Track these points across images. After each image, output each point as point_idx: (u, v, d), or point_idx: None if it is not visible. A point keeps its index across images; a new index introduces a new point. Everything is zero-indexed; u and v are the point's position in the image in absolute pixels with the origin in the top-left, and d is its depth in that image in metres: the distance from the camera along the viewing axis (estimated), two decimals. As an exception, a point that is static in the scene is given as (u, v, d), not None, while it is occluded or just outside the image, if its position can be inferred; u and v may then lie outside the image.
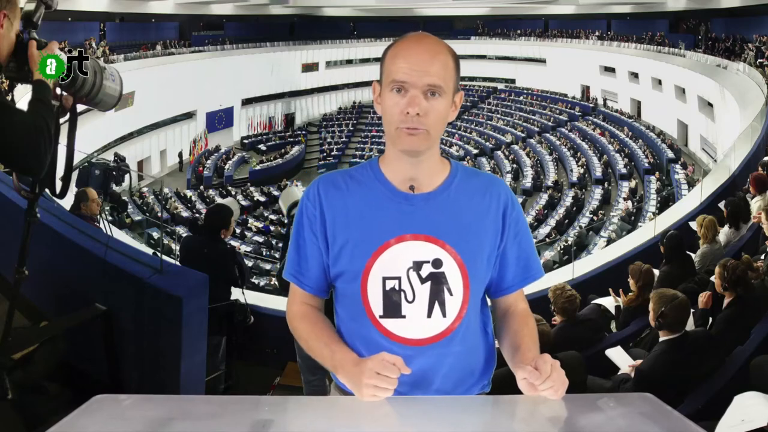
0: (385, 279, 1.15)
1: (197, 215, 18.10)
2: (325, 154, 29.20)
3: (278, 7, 30.73)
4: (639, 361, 2.90)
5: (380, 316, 1.16)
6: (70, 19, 22.78)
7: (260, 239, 18.67)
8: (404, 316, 1.15)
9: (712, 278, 3.50)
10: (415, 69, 1.09)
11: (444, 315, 1.16)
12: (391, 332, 1.16)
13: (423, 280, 1.15)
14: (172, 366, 2.71)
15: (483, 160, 25.85)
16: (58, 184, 1.80)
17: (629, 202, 18.62)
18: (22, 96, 1.72)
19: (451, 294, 1.15)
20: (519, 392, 0.99)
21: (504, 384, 2.59)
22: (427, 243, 1.15)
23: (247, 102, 30.31)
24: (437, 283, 1.15)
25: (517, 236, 1.21)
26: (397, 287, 1.14)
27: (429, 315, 1.15)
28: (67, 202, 3.53)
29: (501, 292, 1.25)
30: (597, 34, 29.40)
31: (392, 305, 1.15)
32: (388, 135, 1.16)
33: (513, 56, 32.03)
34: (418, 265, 1.14)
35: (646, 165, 21.26)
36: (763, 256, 4.11)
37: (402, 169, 1.18)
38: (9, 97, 1.72)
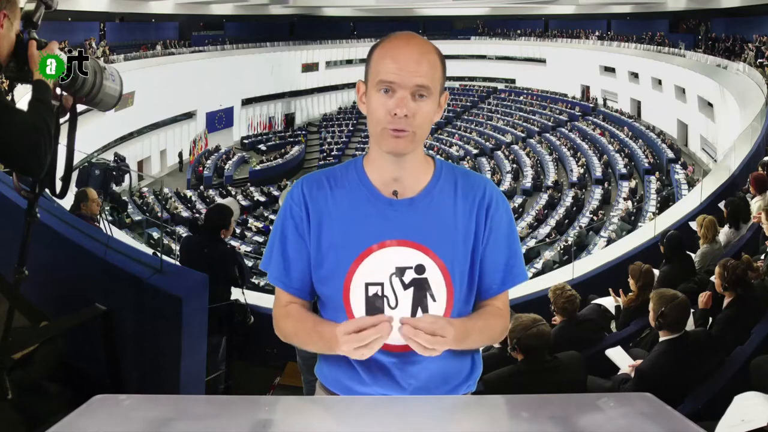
0: (367, 285, 1.13)
1: (197, 215, 18.12)
2: (325, 154, 29.21)
3: (278, 7, 30.74)
4: (639, 361, 2.90)
5: None
6: (70, 19, 22.80)
7: (260, 239, 18.68)
8: None
9: (712, 278, 3.50)
10: (403, 69, 1.08)
11: None
12: None
13: (406, 286, 1.12)
14: (172, 366, 2.71)
15: (483, 160, 25.84)
16: (58, 184, 1.80)
17: (629, 202, 18.63)
18: (22, 96, 1.72)
19: (434, 300, 1.13)
20: (518, 392, 0.99)
21: (504, 384, 2.60)
22: (410, 249, 1.13)
23: (247, 102, 30.32)
24: (420, 289, 1.13)
25: (498, 237, 1.18)
26: (379, 293, 1.12)
27: None
28: (67, 202, 3.53)
29: (480, 295, 1.21)
30: (597, 34, 29.41)
31: (375, 311, 1.12)
32: (372, 135, 1.14)
33: (513, 56, 31.99)
34: (401, 271, 1.12)
35: (646, 165, 21.28)
36: (763, 256, 4.12)
37: (386, 169, 1.16)
38: (9, 97, 1.71)
